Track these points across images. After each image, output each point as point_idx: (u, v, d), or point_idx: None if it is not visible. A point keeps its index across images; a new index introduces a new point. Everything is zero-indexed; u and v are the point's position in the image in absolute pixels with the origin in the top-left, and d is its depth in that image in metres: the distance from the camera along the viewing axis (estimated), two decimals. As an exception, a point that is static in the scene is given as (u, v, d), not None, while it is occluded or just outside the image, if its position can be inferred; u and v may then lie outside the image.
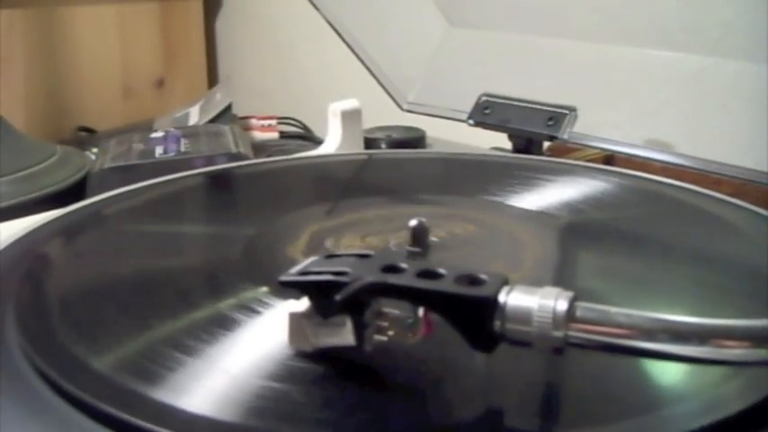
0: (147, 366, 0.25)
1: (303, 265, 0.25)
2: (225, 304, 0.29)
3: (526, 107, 0.56)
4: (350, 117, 0.58)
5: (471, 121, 0.59)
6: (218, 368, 0.25)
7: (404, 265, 0.24)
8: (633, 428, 0.22)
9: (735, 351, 0.21)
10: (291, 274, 0.25)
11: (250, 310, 0.28)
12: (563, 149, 0.59)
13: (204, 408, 0.23)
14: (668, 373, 0.25)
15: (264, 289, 0.30)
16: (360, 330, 0.24)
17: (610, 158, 0.59)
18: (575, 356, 0.23)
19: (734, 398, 0.23)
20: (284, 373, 0.24)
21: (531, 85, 0.59)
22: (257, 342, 0.27)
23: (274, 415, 0.23)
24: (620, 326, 0.21)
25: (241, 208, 0.45)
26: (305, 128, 0.85)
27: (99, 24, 0.97)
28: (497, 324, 0.22)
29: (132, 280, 0.33)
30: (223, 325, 0.27)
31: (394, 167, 0.52)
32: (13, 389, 0.24)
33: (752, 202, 0.40)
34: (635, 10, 0.57)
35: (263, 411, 0.23)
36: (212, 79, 1.13)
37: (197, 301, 0.30)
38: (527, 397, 0.24)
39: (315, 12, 0.67)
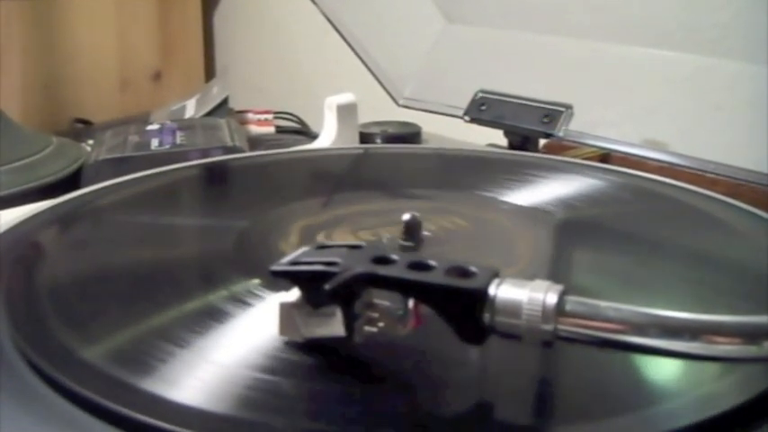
0: (138, 357, 0.25)
1: (294, 255, 0.25)
2: (216, 296, 0.29)
3: (522, 104, 0.56)
4: (345, 111, 0.58)
5: (467, 118, 0.59)
6: (209, 359, 0.25)
7: (394, 257, 0.23)
8: (625, 425, 0.22)
9: (725, 347, 0.20)
10: (282, 263, 0.25)
11: (241, 301, 0.28)
12: (559, 147, 0.58)
13: (195, 399, 0.23)
14: (661, 370, 0.25)
15: (256, 281, 0.30)
16: (350, 321, 0.24)
17: (606, 157, 0.59)
18: (566, 351, 0.23)
19: (726, 394, 0.23)
20: (275, 365, 0.24)
21: (528, 83, 0.59)
22: (248, 333, 0.27)
23: (264, 406, 0.22)
24: (609, 320, 0.21)
25: (235, 200, 0.45)
26: (301, 123, 0.85)
27: (96, 16, 0.96)
28: (487, 317, 0.22)
29: (124, 271, 0.33)
30: (214, 316, 0.27)
31: (389, 162, 0.51)
32: (1, 378, 0.24)
33: (747, 203, 0.40)
34: (633, 8, 0.57)
35: (252, 402, 0.23)
36: (209, 73, 1.13)
37: (189, 293, 0.30)
38: (518, 392, 0.24)
39: (313, 7, 0.67)
